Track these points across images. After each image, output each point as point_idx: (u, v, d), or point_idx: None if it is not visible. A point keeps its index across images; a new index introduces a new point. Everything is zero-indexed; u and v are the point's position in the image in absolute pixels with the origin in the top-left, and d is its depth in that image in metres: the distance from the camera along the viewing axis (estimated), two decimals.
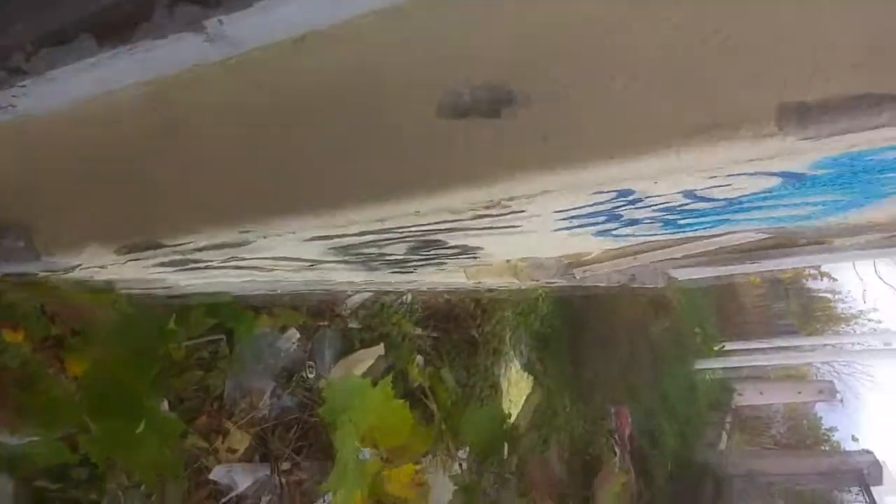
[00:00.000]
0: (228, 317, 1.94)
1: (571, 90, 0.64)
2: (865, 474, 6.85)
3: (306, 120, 0.75)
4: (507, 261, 1.70)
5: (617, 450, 4.88)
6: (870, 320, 10.85)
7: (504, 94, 0.67)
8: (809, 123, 0.55)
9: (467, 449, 2.96)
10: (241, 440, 1.96)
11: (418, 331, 2.92)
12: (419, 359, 2.90)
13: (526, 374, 3.78)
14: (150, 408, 1.22)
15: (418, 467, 2.06)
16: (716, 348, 7.80)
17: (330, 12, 0.72)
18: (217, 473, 1.83)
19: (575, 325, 4.46)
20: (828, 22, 0.54)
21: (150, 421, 1.21)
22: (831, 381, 9.49)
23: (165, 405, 1.80)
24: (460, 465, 3.01)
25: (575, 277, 1.92)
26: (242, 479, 1.95)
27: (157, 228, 0.79)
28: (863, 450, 7.78)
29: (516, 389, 3.65)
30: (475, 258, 1.51)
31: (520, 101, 0.67)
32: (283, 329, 2.22)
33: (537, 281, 1.72)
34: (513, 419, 3.56)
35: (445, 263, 1.52)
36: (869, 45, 0.52)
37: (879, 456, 6.99)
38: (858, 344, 9.19)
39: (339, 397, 1.73)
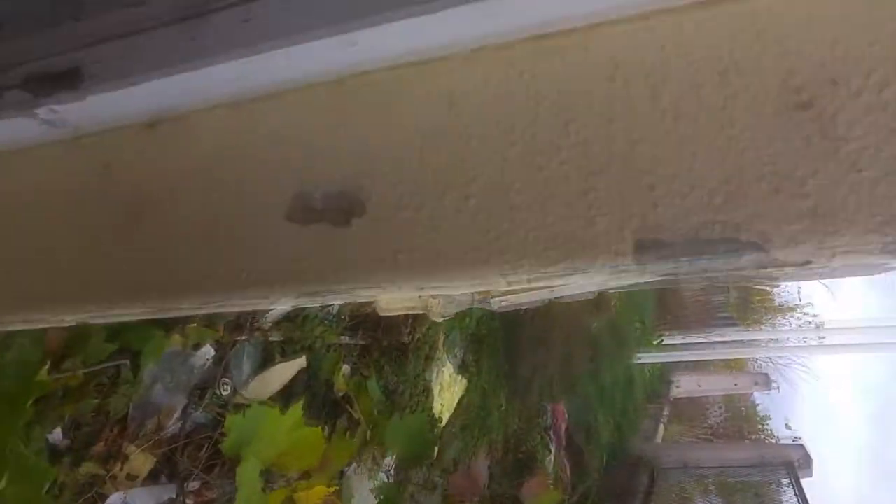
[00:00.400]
0: (134, 338, 1.88)
1: (423, 204, 0.60)
2: (796, 466, 7.15)
3: (151, 206, 0.71)
4: (419, 295, 1.68)
5: (552, 447, 4.97)
6: (805, 314, 11.28)
7: (356, 203, 0.64)
8: (668, 260, 0.52)
9: (394, 457, 2.97)
10: (143, 463, 1.91)
11: (345, 339, 2.89)
12: (346, 368, 2.88)
13: (459, 377, 3.80)
14: (17, 456, 1.17)
15: (330, 490, 2.05)
16: (655, 342, 8.00)
17: (177, 100, 0.68)
18: (112, 501, 1.78)
19: (512, 325, 4.50)
20: (693, 159, 0.51)
21: (18, 470, 1.16)
22: (766, 374, 9.88)
23: (58, 433, 1.74)
24: (386, 473, 3.03)
25: (492, 307, 1.92)
26: (143, 502, 1.90)
27: None
28: (794, 442, 8.14)
29: (449, 393, 3.67)
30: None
31: (372, 211, 0.63)
32: (197, 346, 2.16)
33: (448, 316, 1.71)
34: (444, 423, 3.58)
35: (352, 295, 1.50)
36: (731, 188, 0.49)
37: (809, 443, 7.32)
38: (794, 339, 9.54)
39: (241, 430, 1.70)
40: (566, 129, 0.53)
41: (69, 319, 0.72)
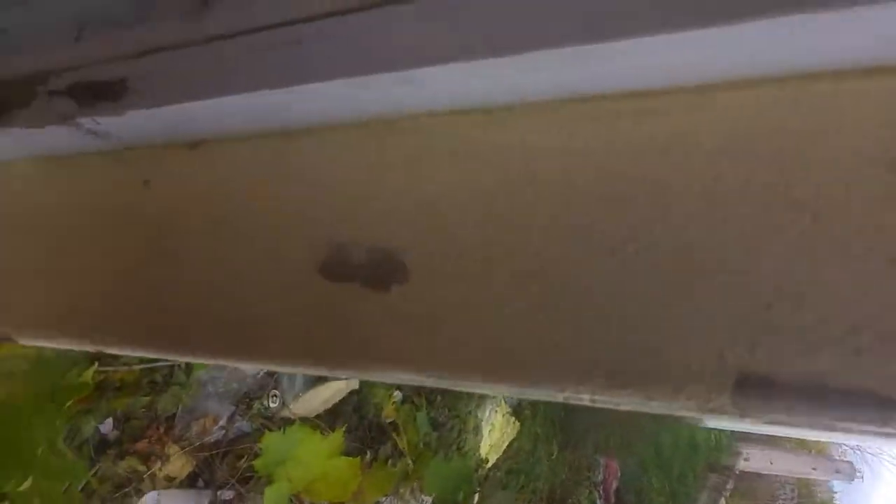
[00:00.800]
0: None
1: (476, 282, 0.49)
2: None
3: (183, 234, 0.67)
4: None
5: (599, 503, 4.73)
6: None
7: (399, 267, 0.54)
8: (778, 407, 0.39)
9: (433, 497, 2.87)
10: (183, 465, 1.91)
11: None
12: (397, 394, 2.82)
13: (513, 419, 3.66)
14: (45, 459, 1.16)
15: None
16: None
17: (221, 123, 0.63)
18: (148, 499, 1.79)
19: None
20: (831, 278, 0.38)
21: (45, 472, 1.15)
22: (851, 462, 9.02)
23: (110, 423, 1.76)
24: None
25: None
26: None
27: (7, 325, 0.72)
28: None
29: (499, 434, 3.54)
30: None
31: (416, 279, 0.53)
32: None
33: None
34: (489, 464, 3.45)
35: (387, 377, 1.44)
36: (881, 326, 0.37)
37: None
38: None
39: (277, 449, 1.66)
40: (664, 210, 0.41)
41: (76, 348, 0.68)
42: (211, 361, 0.65)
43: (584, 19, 0.38)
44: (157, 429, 1.83)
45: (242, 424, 2.18)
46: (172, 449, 1.84)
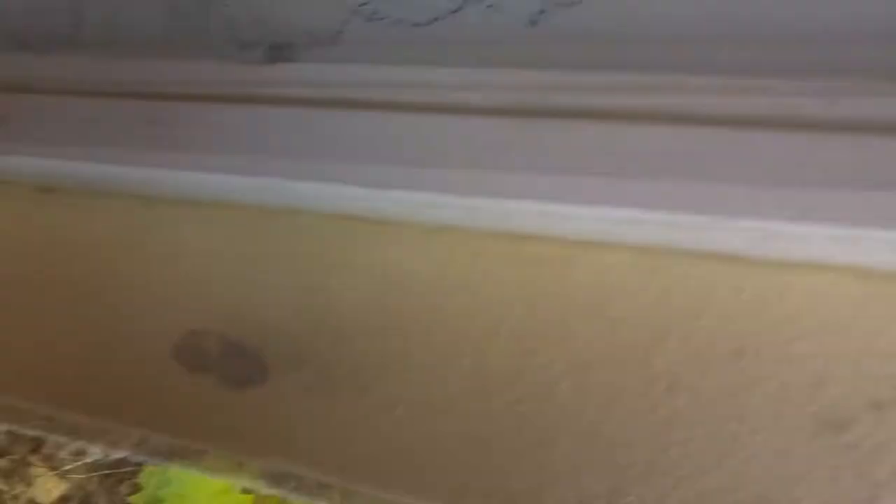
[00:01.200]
0: None
1: (338, 394, 0.48)
2: None
3: (31, 286, 0.58)
4: None
5: None
6: None
7: (258, 365, 0.50)
8: None
9: None
10: (52, 488, 1.74)
11: None
12: None
13: None
14: None
15: None
16: None
17: (77, 176, 0.55)
18: None
19: None
20: (681, 449, 0.40)
21: None
22: None
23: None
24: None
25: None
26: None
27: None
28: None
29: None
30: None
31: (274, 381, 0.50)
32: None
33: None
34: None
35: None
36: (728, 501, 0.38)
37: None
38: None
39: (159, 485, 1.53)
40: (530, 359, 0.41)
41: None
42: (39, 433, 0.57)
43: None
44: (23, 446, 1.66)
45: None
46: (38, 470, 1.68)
